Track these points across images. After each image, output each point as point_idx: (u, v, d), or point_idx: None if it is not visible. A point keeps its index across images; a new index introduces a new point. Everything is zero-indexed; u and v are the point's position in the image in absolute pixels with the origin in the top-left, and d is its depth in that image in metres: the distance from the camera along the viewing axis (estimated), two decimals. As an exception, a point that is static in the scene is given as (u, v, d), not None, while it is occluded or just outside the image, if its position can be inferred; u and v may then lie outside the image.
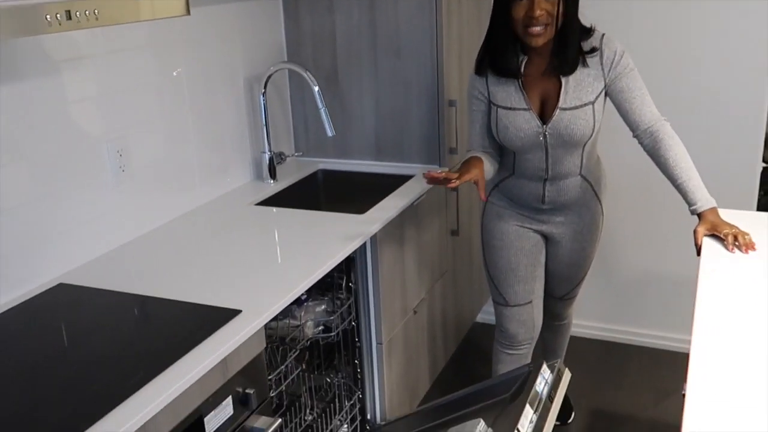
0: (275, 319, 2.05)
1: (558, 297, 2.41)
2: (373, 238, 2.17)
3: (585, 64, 1.98)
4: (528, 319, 2.29)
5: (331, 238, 2.07)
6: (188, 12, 1.45)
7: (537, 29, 1.90)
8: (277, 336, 2.02)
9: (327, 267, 1.90)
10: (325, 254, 1.95)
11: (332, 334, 2.14)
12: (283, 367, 1.94)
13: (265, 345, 1.67)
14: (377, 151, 2.76)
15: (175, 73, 2.28)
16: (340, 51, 2.69)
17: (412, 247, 2.44)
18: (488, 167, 2.08)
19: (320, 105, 2.43)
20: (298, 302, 2.13)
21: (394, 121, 2.70)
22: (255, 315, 1.62)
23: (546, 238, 2.28)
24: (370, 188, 2.68)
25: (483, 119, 2.12)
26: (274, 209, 2.36)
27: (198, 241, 2.09)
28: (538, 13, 1.87)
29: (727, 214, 1.96)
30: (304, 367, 2.23)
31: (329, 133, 2.46)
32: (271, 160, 2.58)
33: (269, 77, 2.52)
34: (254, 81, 2.55)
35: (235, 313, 1.61)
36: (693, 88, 2.81)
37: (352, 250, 2.03)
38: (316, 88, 2.43)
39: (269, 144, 2.58)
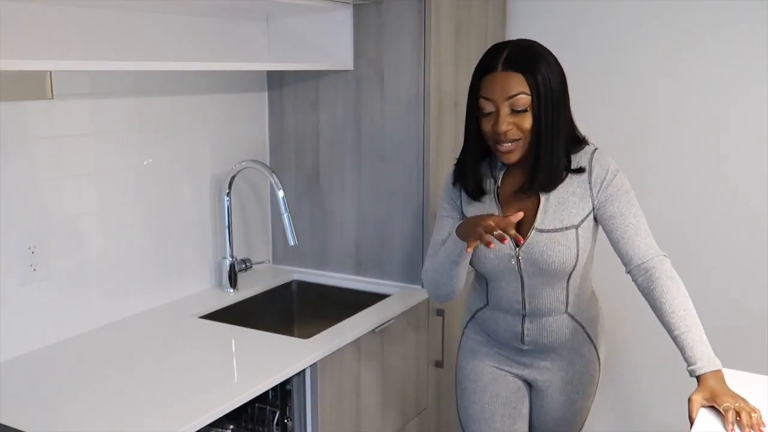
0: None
1: None
2: (314, 368, 1.85)
3: (571, 182, 1.67)
4: None
5: (263, 365, 1.77)
6: (52, 96, 1.24)
7: (506, 146, 1.62)
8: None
9: (235, 402, 1.59)
10: (244, 385, 1.65)
11: (250, 482, 1.80)
12: None
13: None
14: (357, 265, 2.46)
15: (145, 163, 2.09)
16: (323, 151, 2.45)
17: (375, 379, 2.10)
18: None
19: (283, 210, 2.18)
20: (219, 438, 1.82)
21: (375, 232, 2.41)
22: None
23: (530, 385, 1.90)
24: (342, 306, 2.38)
25: (454, 227, 1.81)
26: (218, 325, 2.07)
27: (105, 359, 1.81)
28: (503, 128, 1.60)
29: (738, 379, 1.56)
30: None
31: (291, 242, 2.19)
32: (232, 266, 2.32)
33: (234, 177, 2.29)
34: (224, 179, 2.33)
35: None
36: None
37: (272, 385, 1.70)
38: (281, 193, 2.18)
39: (231, 249, 2.33)
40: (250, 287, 2.38)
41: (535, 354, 1.84)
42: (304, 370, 1.84)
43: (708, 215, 2.49)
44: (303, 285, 2.52)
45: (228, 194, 2.30)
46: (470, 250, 1.57)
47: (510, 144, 1.62)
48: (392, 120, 2.30)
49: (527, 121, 1.60)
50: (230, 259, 2.32)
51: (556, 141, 1.63)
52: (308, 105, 2.45)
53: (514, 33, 2.68)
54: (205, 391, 1.62)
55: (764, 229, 2.41)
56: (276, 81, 2.50)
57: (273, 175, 2.21)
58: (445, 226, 1.81)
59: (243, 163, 2.27)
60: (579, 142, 1.73)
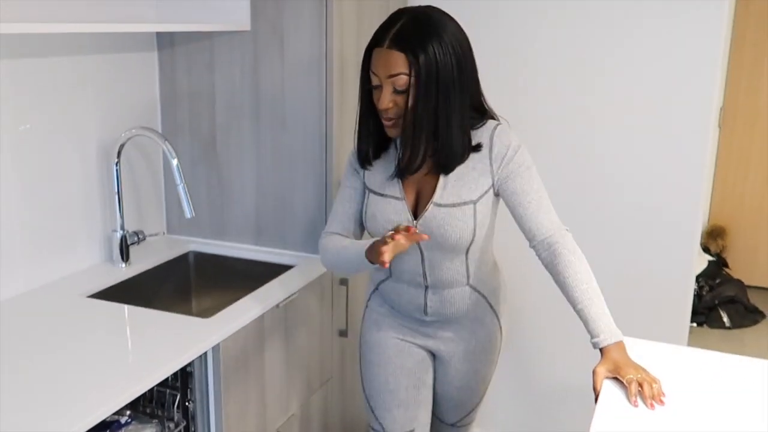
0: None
1: (449, 423, 2.01)
2: (216, 348, 1.77)
3: (471, 157, 1.65)
4: None
5: (162, 348, 1.67)
6: None
7: (387, 123, 1.64)
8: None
9: (133, 393, 1.49)
10: (142, 373, 1.55)
11: (150, 470, 1.72)
12: None
13: None
14: (257, 234, 2.37)
15: (21, 128, 1.91)
16: (219, 116, 2.32)
17: (279, 353, 2.04)
18: None
19: (178, 181, 2.05)
20: (115, 426, 1.72)
21: (276, 201, 2.32)
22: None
23: (433, 355, 1.90)
24: (243, 277, 2.30)
25: (356, 199, 1.80)
26: (110, 305, 1.95)
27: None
28: (384, 105, 1.59)
29: (639, 348, 1.60)
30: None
31: (188, 215, 2.07)
32: (123, 239, 2.18)
33: (123, 144, 2.13)
34: (112, 146, 2.17)
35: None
36: (616, 187, 2.49)
37: (173, 371, 1.61)
38: (175, 162, 2.04)
39: (122, 220, 2.18)
40: (143, 261, 2.24)
41: (438, 325, 1.84)
42: (205, 353, 1.76)
43: (603, 179, 2.54)
44: (200, 256, 2.41)
45: (117, 163, 2.14)
46: (388, 265, 1.54)
47: (392, 120, 1.62)
48: (293, 84, 2.20)
49: (407, 101, 1.58)
50: (121, 231, 2.17)
51: (445, 122, 1.59)
52: (202, 66, 2.30)
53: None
54: (99, 381, 1.51)
55: (663, 193, 2.48)
56: (166, 40, 2.33)
57: (166, 143, 2.07)
58: (348, 198, 1.80)
59: (133, 131, 2.11)
60: (482, 116, 1.69)
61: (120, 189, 2.17)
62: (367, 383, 1.94)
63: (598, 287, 1.59)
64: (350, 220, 1.81)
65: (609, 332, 1.53)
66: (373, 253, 1.58)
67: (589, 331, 1.55)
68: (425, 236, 1.54)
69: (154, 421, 1.78)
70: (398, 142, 1.70)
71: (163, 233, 2.48)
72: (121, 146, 2.13)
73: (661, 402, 1.42)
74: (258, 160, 2.31)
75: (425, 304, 1.79)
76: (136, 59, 2.30)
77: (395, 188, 1.71)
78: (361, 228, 1.83)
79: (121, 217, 2.18)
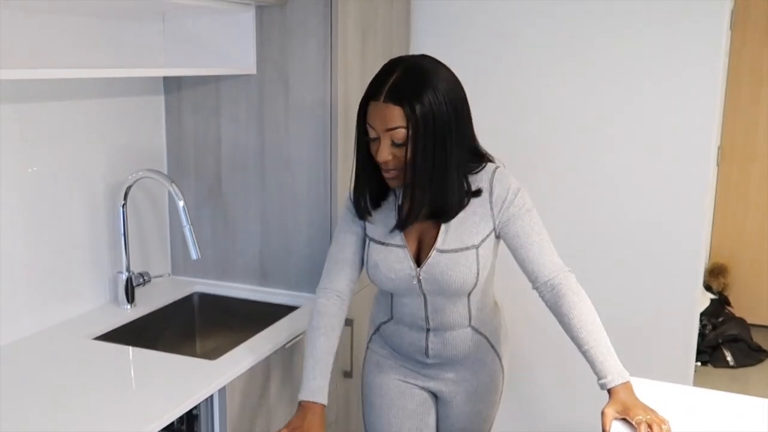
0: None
1: None
2: (222, 391, 1.76)
3: (471, 202, 1.66)
4: None
5: (168, 391, 1.67)
6: None
7: (388, 174, 1.61)
8: None
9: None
10: (147, 417, 1.54)
11: None
12: None
13: None
14: (262, 276, 2.38)
15: (29, 171, 1.93)
16: (224, 158, 2.35)
17: (285, 393, 2.03)
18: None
19: (185, 222, 2.06)
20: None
21: (281, 242, 2.33)
22: None
23: (435, 396, 1.90)
24: (248, 319, 2.30)
25: (356, 244, 1.77)
26: (115, 347, 1.94)
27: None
28: (383, 158, 1.57)
29: (646, 389, 1.60)
30: None
31: (194, 256, 2.08)
32: (128, 281, 2.18)
33: (130, 186, 2.16)
34: (118, 189, 2.19)
35: None
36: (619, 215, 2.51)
37: (179, 415, 1.61)
38: (181, 203, 2.06)
39: (127, 262, 2.19)
40: (148, 302, 2.25)
41: (440, 366, 1.84)
42: (211, 395, 1.75)
43: (605, 218, 2.56)
44: (205, 297, 2.41)
45: (123, 205, 2.16)
46: None
47: (392, 172, 1.60)
48: (297, 126, 2.23)
49: (406, 153, 1.55)
50: (126, 273, 2.18)
51: (443, 170, 1.58)
52: (209, 110, 2.33)
53: (418, 34, 2.66)
54: (104, 426, 1.51)
55: (664, 233, 2.49)
56: (174, 84, 2.37)
57: (173, 184, 2.09)
58: (346, 243, 1.78)
59: (140, 173, 2.14)
60: (480, 160, 1.69)
61: (126, 231, 2.18)
62: (369, 426, 1.93)
63: (603, 328, 1.59)
64: (351, 268, 1.78)
65: (616, 373, 1.53)
66: (292, 420, 1.67)
67: (596, 373, 1.55)
68: None
69: (160, 464, 1.77)
70: (397, 190, 1.71)
71: (168, 275, 2.48)
72: (128, 188, 2.15)
73: (671, 443, 1.42)
74: (263, 202, 2.33)
75: (426, 346, 1.79)
76: (143, 103, 2.33)
77: (396, 236, 1.70)
78: (360, 273, 1.81)
79: (127, 258, 2.19)
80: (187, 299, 2.39)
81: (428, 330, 1.77)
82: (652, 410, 1.49)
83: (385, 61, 1.63)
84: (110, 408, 1.59)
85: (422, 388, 1.87)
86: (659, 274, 2.50)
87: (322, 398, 1.69)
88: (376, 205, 1.72)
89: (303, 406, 1.68)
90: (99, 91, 2.15)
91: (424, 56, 1.62)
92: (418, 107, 1.51)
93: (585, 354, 1.57)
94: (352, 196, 1.75)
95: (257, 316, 2.26)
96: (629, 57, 2.42)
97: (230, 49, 2.22)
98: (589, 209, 2.55)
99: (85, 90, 2.10)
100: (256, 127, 2.28)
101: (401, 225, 1.67)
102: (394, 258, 1.69)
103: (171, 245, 2.49)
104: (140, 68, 2.19)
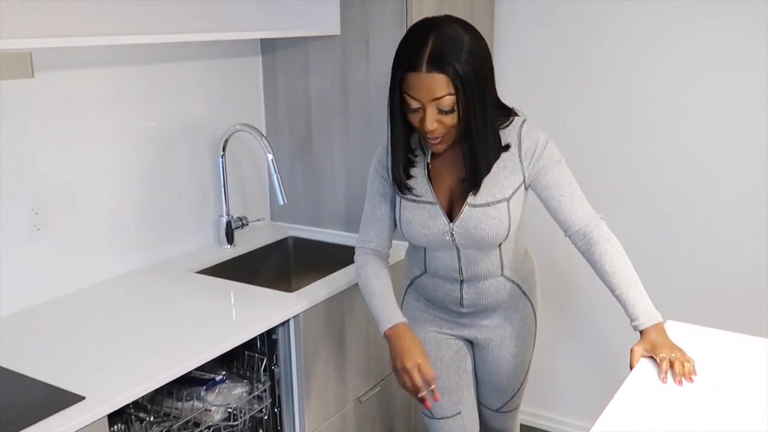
0: (179, 399, 1.94)
1: (494, 410, 2.09)
2: (296, 319, 2.00)
3: (501, 156, 1.70)
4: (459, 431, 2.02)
5: (251, 315, 1.93)
6: (33, 75, 1.37)
7: (433, 142, 1.63)
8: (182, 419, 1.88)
9: (221, 348, 1.75)
10: (231, 333, 1.81)
11: (236, 423, 1.96)
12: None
13: (107, 437, 1.51)
14: (347, 222, 2.59)
15: (146, 125, 2.24)
16: (314, 115, 2.57)
17: (360, 329, 2.24)
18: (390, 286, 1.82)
19: (273, 172, 2.30)
20: (210, 383, 1.98)
21: (363, 192, 2.50)
22: (97, 403, 1.47)
23: (471, 343, 1.99)
24: (336, 260, 2.51)
25: (387, 204, 1.83)
26: (213, 280, 2.23)
27: (104, 310, 1.98)
28: (430, 127, 1.58)
29: (681, 331, 1.67)
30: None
31: (281, 202, 2.32)
32: (228, 224, 2.46)
33: (227, 139, 2.42)
34: (219, 142, 2.46)
35: (75, 399, 1.48)
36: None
37: (254, 334, 1.86)
38: (270, 156, 2.30)
39: (227, 207, 2.47)
40: (246, 243, 2.53)
41: (474, 315, 1.90)
42: (288, 321, 1.99)
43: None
44: (298, 241, 2.66)
45: (222, 156, 2.43)
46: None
47: (438, 139, 1.62)
48: (377, 84, 2.40)
49: (453, 119, 1.59)
50: (226, 216, 2.46)
51: (484, 127, 1.62)
52: (299, 70, 2.55)
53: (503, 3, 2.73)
54: (196, 338, 1.78)
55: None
56: (269, 46, 2.60)
57: (263, 138, 2.33)
58: (380, 204, 1.84)
59: (237, 126, 2.39)
60: (507, 115, 1.72)
61: (225, 179, 2.45)
62: None
63: (635, 272, 1.66)
64: (384, 227, 1.84)
65: (648, 315, 1.61)
66: (393, 355, 1.73)
67: (628, 315, 1.63)
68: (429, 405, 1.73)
69: (244, 381, 2.03)
70: (425, 149, 1.76)
71: (266, 219, 2.75)
72: (226, 141, 2.41)
73: (691, 380, 1.49)
74: (347, 155, 2.52)
75: (461, 296, 1.85)
76: (244, 63, 2.58)
77: (427, 192, 1.74)
78: (394, 230, 1.86)
79: (227, 204, 2.47)
80: (283, 242, 2.65)
81: (462, 281, 1.82)
82: (679, 349, 1.56)
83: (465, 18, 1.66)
84: (201, 325, 1.86)
85: (458, 337, 1.95)
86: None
87: (399, 318, 1.75)
88: (408, 175, 1.75)
89: (390, 335, 1.73)
90: (206, 53, 2.41)
91: (447, 17, 1.62)
92: (461, 71, 1.53)
93: (618, 298, 1.64)
94: (390, 169, 1.78)
95: (344, 258, 2.47)
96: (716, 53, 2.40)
97: (316, 11, 2.41)
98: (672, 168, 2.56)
99: (193, 52, 2.37)
100: (339, 86, 2.47)
101: (476, 184, 1.68)
102: (426, 214, 1.74)
103: (269, 193, 2.75)
104: (237, 32, 2.43)
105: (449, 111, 1.57)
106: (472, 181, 1.69)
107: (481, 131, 1.61)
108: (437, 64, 1.53)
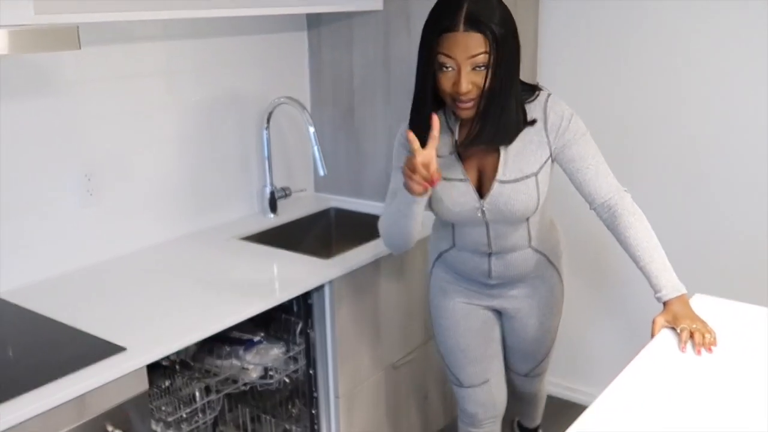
0: (220, 357, 2.05)
1: (523, 375, 2.15)
2: (331, 284, 2.07)
3: (527, 131, 1.72)
4: (487, 399, 2.06)
5: (289, 280, 2.03)
6: (79, 47, 1.46)
7: (465, 104, 1.64)
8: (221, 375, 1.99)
9: (256, 309, 1.84)
10: (268, 295, 1.90)
11: (272, 381, 2.06)
12: (198, 404, 1.90)
13: (147, 387, 1.62)
14: (387, 194, 2.65)
15: (194, 99, 2.34)
16: (356, 88, 2.62)
17: (394, 297, 2.31)
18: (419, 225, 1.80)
19: (314, 143, 2.37)
20: (249, 344, 2.08)
21: (403, 163, 2.57)
22: (137, 354, 1.58)
23: (499, 312, 2.02)
24: (375, 231, 2.57)
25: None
26: (256, 246, 2.32)
27: (153, 272, 2.09)
28: (465, 88, 1.60)
29: (710, 305, 1.68)
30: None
31: (321, 173, 2.39)
32: (272, 194, 2.55)
33: (271, 112, 2.50)
34: (264, 114, 2.54)
35: (117, 349, 1.59)
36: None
37: (288, 297, 1.94)
38: (312, 129, 2.37)
39: (271, 178, 2.56)
40: (289, 212, 2.61)
41: (502, 286, 1.94)
42: (323, 286, 2.06)
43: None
44: (340, 212, 2.74)
45: (267, 128, 2.51)
46: (425, 196, 1.62)
47: (470, 102, 1.64)
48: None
49: (485, 79, 1.60)
50: (270, 186, 2.55)
51: (509, 94, 1.64)
52: (343, 45, 2.61)
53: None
54: (234, 299, 1.88)
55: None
56: (314, 21, 2.67)
57: (305, 111, 2.40)
58: (400, 177, 1.75)
59: (281, 99, 2.47)
60: (531, 90, 1.74)
61: (269, 150, 2.54)
62: (440, 344, 2.08)
63: (659, 244, 1.67)
64: None
65: (671, 286, 1.62)
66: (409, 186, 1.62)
67: (652, 287, 1.64)
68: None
69: (281, 342, 2.13)
70: (450, 122, 1.76)
71: (308, 190, 2.83)
72: (270, 113, 2.49)
73: (710, 350, 1.51)
74: (388, 129, 2.57)
75: (489, 269, 1.88)
76: (290, 38, 2.65)
77: (457, 170, 1.75)
78: None
79: (270, 174, 2.55)
80: (325, 212, 2.73)
81: (490, 254, 1.85)
82: (701, 321, 1.57)
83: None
84: (239, 287, 1.96)
85: (486, 307, 1.99)
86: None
87: None
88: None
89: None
90: (253, 28, 2.49)
91: None
92: (497, 30, 1.57)
93: (642, 270, 1.66)
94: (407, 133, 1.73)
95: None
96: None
97: (359, -14, 2.46)
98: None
99: (241, 27, 2.45)
100: (382, 61, 2.52)
101: (470, 143, 1.70)
102: (457, 192, 1.76)
103: (312, 165, 2.83)
104: (284, 6, 2.49)
105: (482, 67, 1.60)
106: (477, 137, 1.67)
107: (506, 92, 1.63)
108: (474, 23, 1.57)
